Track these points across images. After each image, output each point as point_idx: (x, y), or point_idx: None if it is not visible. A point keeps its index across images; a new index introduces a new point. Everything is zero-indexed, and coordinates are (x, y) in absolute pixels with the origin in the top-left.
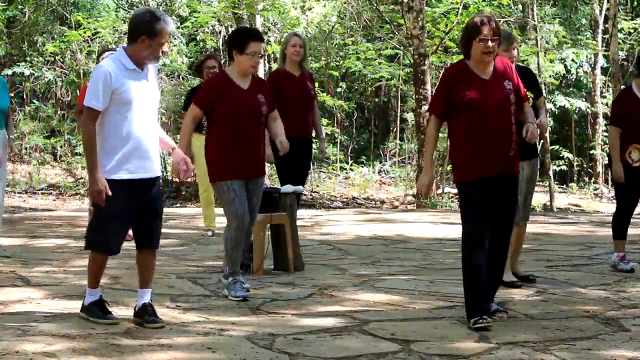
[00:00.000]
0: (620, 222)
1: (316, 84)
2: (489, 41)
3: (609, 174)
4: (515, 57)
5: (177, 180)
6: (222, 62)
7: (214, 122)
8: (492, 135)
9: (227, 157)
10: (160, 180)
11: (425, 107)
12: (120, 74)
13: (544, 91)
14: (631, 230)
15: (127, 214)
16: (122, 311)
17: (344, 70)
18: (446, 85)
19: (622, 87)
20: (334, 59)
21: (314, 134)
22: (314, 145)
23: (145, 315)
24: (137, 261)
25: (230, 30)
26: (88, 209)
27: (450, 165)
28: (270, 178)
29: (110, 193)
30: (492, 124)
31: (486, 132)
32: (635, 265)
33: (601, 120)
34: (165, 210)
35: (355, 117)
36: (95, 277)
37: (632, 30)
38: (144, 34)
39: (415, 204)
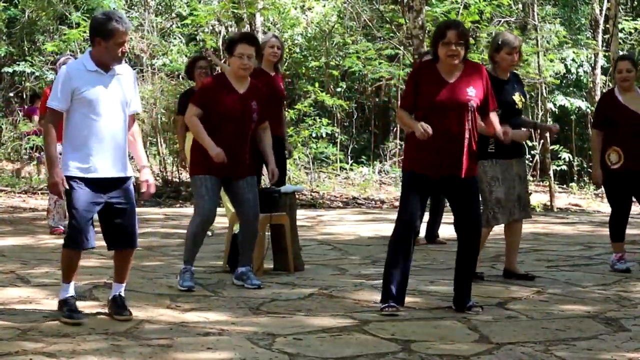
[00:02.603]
0: (616, 225)
1: (316, 84)
2: (453, 45)
3: None
4: (515, 62)
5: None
6: (223, 61)
7: (205, 121)
8: (442, 137)
9: (207, 154)
10: (131, 180)
11: None
12: (80, 74)
13: (544, 91)
14: (631, 230)
15: (91, 210)
16: None
17: (344, 70)
18: (413, 82)
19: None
20: (333, 59)
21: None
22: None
23: (114, 307)
24: (114, 259)
25: (230, 30)
26: (47, 207)
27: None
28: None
29: (67, 187)
30: (445, 127)
31: (437, 133)
32: (635, 266)
33: None
34: (166, 210)
35: (355, 117)
36: (67, 272)
37: (632, 30)
38: (98, 35)
39: None
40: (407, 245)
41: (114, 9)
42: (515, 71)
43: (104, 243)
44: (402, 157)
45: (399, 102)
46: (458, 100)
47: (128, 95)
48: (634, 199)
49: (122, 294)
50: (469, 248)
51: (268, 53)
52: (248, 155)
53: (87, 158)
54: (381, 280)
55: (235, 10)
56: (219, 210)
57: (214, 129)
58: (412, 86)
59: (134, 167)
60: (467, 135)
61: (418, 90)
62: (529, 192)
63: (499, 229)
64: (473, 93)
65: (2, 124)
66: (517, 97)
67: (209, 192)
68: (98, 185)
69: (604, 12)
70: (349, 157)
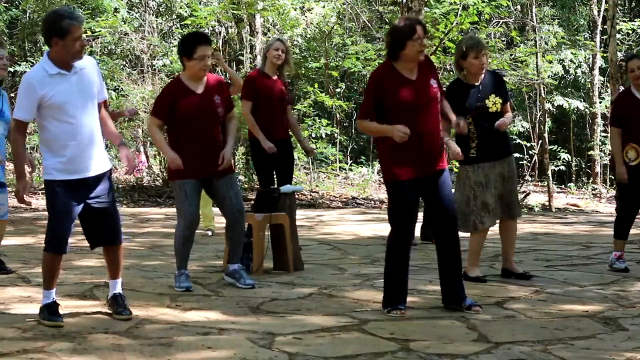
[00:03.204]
0: (622, 222)
1: (316, 85)
2: (424, 39)
3: (607, 174)
4: (485, 64)
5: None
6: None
7: (171, 126)
8: (420, 137)
9: (182, 158)
10: (109, 175)
11: None
12: (43, 81)
13: (543, 92)
14: (630, 230)
15: (73, 213)
16: None
17: (343, 71)
18: (375, 89)
19: (621, 87)
20: (333, 60)
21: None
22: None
23: (114, 306)
24: (104, 256)
25: (230, 30)
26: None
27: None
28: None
29: (27, 196)
30: (421, 125)
31: (415, 132)
32: (634, 265)
33: (599, 121)
34: (166, 210)
35: (354, 117)
36: (48, 277)
37: (630, 31)
38: (54, 35)
39: None
40: (405, 252)
41: (116, 8)
42: (496, 70)
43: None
44: (381, 167)
45: (359, 113)
46: (429, 95)
47: (95, 88)
48: None
49: (122, 292)
50: (452, 242)
51: (272, 55)
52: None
53: (68, 160)
54: (380, 280)
55: (235, 12)
56: (219, 210)
57: (182, 133)
58: (372, 94)
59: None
60: (441, 127)
61: (382, 96)
62: (517, 191)
63: (496, 229)
64: (436, 84)
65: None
66: (490, 101)
67: (189, 197)
68: (81, 185)
69: (602, 13)
70: (349, 157)
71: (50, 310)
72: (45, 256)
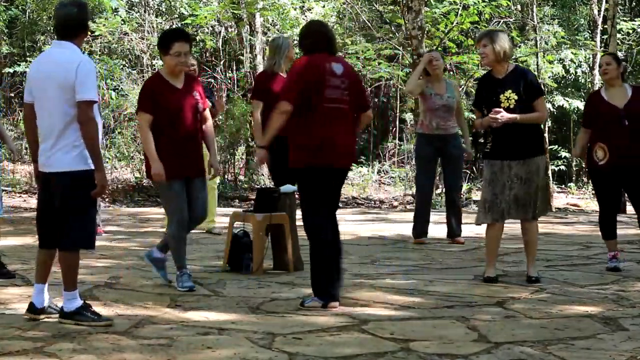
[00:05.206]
0: (605, 222)
1: None
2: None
3: None
4: (486, 54)
5: None
6: (222, 62)
7: (153, 123)
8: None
9: (167, 157)
10: None
11: None
12: None
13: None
14: (631, 231)
15: None
16: (123, 310)
17: None
18: None
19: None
20: None
21: None
22: None
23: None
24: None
25: (229, 30)
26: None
27: None
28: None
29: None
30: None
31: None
32: (634, 265)
33: None
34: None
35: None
36: (76, 276)
37: (630, 31)
38: (87, 26)
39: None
40: (324, 241)
41: (115, 9)
42: (525, 67)
43: (103, 243)
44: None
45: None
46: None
47: None
48: (626, 199)
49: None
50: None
51: (292, 55)
52: (201, 149)
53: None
54: (381, 280)
55: (235, 11)
56: (219, 210)
57: (163, 129)
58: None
59: None
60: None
61: None
62: (537, 193)
63: (509, 230)
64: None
65: (3, 124)
66: (504, 96)
67: (177, 194)
68: None
69: (602, 13)
70: None
71: (92, 312)
72: (75, 256)
